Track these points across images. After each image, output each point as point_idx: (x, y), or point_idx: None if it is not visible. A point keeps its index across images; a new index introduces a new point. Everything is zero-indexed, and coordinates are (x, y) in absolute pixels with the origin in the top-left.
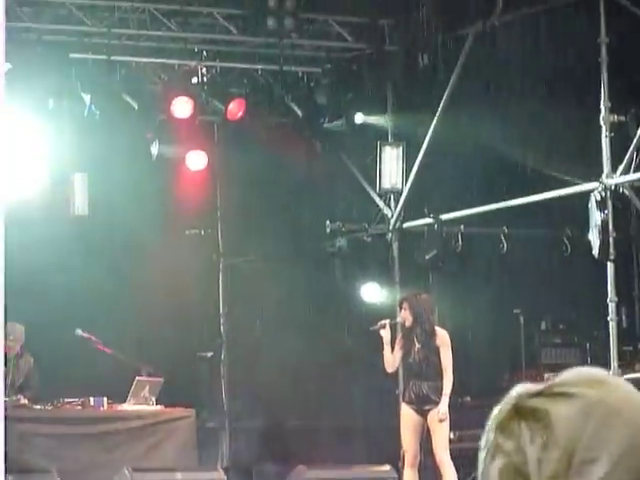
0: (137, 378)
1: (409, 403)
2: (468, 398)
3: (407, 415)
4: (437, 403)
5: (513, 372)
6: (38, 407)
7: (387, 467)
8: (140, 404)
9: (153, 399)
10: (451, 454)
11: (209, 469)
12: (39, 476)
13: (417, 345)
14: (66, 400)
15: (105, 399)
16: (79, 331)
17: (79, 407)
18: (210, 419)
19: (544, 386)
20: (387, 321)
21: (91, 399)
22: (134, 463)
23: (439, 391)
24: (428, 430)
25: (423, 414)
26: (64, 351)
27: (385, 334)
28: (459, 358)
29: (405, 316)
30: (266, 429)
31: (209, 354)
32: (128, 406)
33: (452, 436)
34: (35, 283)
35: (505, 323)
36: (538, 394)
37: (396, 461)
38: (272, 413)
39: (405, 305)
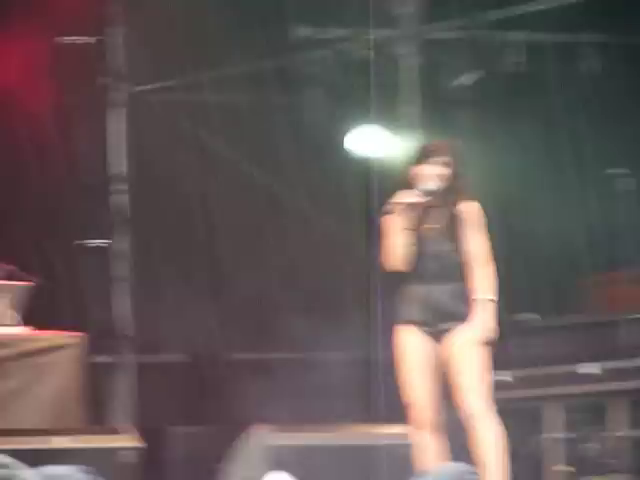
0: None
1: (415, 323)
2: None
3: (411, 343)
4: (463, 319)
5: (601, 273)
6: None
7: (401, 428)
8: None
9: (17, 316)
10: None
11: (109, 431)
12: None
13: (433, 224)
14: None
15: None
16: None
17: None
18: (104, 350)
19: None
20: (416, 194)
21: None
22: None
23: (467, 298)
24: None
25: (439, 339)
26: None
27: (401, 216)
28: (516, 250)
29: (439, 174)
30: (192, 365)
31: (99, 243)
32: None
33: (499, 378)
34: None
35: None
36: None
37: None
38: (200, 342)
39: (441, 157)
